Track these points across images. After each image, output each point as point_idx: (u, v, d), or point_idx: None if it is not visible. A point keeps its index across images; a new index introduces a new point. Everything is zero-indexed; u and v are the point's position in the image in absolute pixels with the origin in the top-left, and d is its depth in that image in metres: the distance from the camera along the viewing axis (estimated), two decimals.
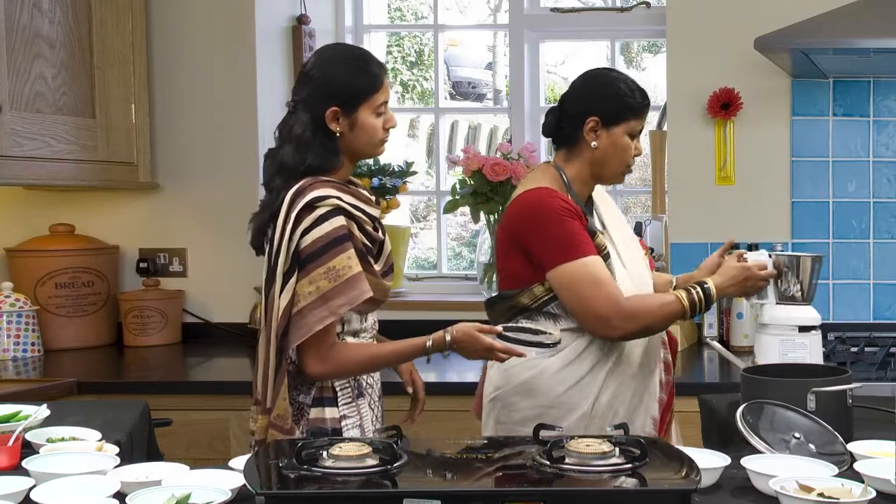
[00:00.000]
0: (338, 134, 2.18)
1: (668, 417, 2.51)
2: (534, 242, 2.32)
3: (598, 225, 2.44)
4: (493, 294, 2.51)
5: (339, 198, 2.13)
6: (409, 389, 2.39)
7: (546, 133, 2.48)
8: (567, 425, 2.29)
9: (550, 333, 2.22)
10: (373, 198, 2.28)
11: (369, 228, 2.21)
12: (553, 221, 2.30)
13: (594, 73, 2.46)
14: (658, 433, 2.44)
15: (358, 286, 2.10)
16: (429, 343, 2.17)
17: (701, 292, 2.32)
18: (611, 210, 2.54)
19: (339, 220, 2.11)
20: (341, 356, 2.14)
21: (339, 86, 2.16)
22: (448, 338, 2.16)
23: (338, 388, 2.19)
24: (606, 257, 2.36)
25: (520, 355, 2.22)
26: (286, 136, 2.20)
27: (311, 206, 2.10)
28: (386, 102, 2.22)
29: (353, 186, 2.25)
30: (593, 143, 2.37)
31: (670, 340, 2.53)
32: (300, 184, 2.13)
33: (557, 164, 2.44)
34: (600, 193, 2.54)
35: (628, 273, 2.41)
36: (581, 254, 2.28)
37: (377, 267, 2.23)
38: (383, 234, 2.28)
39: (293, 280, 2.10)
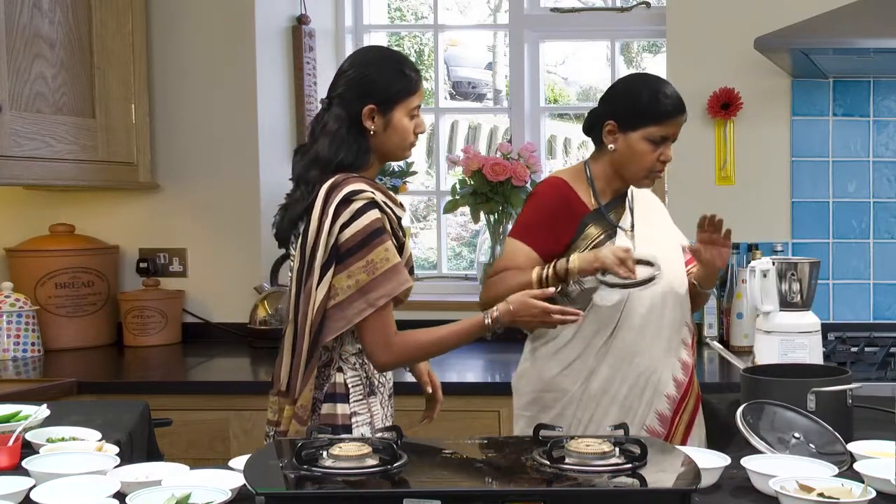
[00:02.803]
0: (371, 132, 2.20)
1: (687, 419, 2.50)
2: None
3: (626, 221, 2.48)
4: None
5: (373, 193, 2.15)
6: (428, 389, 2.40)
7: (584, 131, 2.55)
8: (560, 408, 2.42)
9: (651, 265, 2.32)
10: (398, 199, 2.29)
11: (395, 227, 2.22)
12: (530, 203, 2.47)
13: (624, 78, 2.54)
14: (667, 429, 2.45)
15: (395, 277, 2.13)
16: (488, 320, 2.17)
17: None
18: (646, 206, 2.57)
19: (375, 213, 2.13)
20: (405, 343, 2.17)
21: (377, 85, 2.19)
22: (511, 307, 2.17)
23: (350, 385, 2.20)
24: (601, 244, 2.42)
25: (574, 315, 2.21)
26: (320, 130, 2.22)
27: (347, 200, 2.12)
28: (419, 106, 2.25)
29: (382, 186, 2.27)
30: (610, 146, 2.44)
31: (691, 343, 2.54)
32: (334, 179, 2.15)
33: (588, 161, 2.52)
34: (641, 192, 2.58)
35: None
36: (518, 235, 2.42)
37: None
38: (404, 235, 2.30)
39: (330, 273, 2.11)
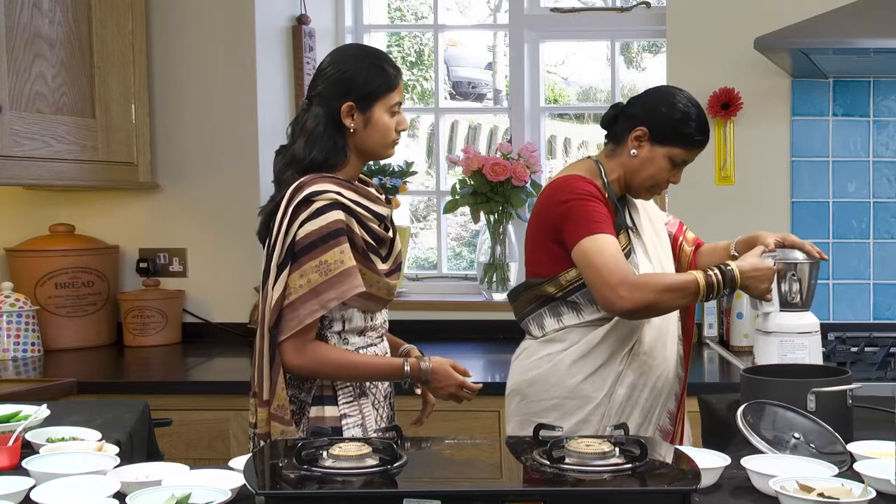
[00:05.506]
0: (351, 130, 2.19)
1: (681, 413, 2.52)
2: (559, 224, 2.34)
3: (628, 222, 2.47)
4: (514, 286, 2.53)
5: (338, 193, 2.13)
6: (418, 391, 2.39)
7: (602, 124, 2.50)
8: (584, 416, 2.37)
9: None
10: (382, 196, 2.28)
11: (374, 226, 2.21)
12: (574, 202, 2.32)
13: (665, 89, 2.48)
14: (674, 426, 2.46)
15: (348, 281, 2.11)
16: (406, 368, 2.21)
17: (720, 274, 2.28)
18: (644, 207, 2.55)
19: (336, 215, 2.11)
20: (319, 353, 2.14)
21: (355, 81, 2.17)
22: (423, 366, 2.22)
23: (337, 387, 2.19)
24: (629, 253, 2.39)
25: (470, 394, 2.31)
26: (299, 130, 2.21)
27: (308, 200, 2.11)
28: (400, 104, 2.24)
29: (361, 185, 2.25)
30: (633, 151, 2.40)
31: (687, 335, 2.53)
32: (302, 179, 2.14)
33: (599, 158, 2.47)
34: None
35: (653, 270, 2.42)
36: (598, 230, 2.28)
37: (385, 265, 2.23)
38: (394, 233, 2.29)
39: (286, 273, 2.11)
